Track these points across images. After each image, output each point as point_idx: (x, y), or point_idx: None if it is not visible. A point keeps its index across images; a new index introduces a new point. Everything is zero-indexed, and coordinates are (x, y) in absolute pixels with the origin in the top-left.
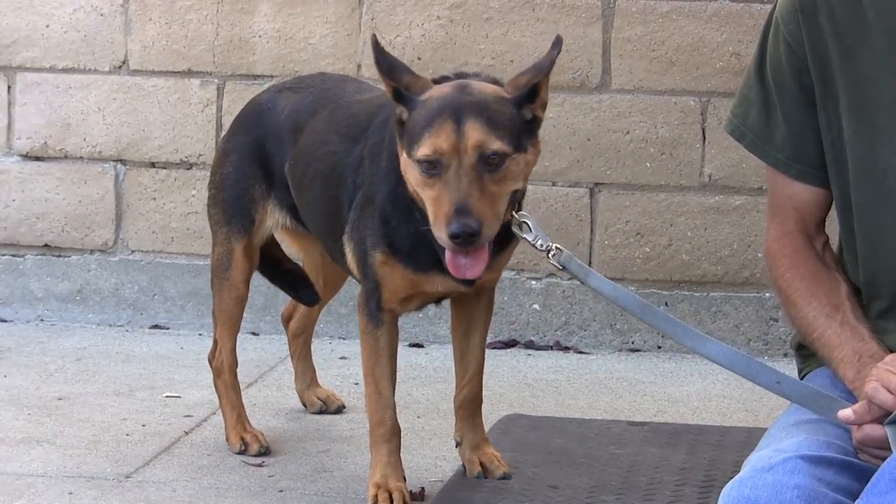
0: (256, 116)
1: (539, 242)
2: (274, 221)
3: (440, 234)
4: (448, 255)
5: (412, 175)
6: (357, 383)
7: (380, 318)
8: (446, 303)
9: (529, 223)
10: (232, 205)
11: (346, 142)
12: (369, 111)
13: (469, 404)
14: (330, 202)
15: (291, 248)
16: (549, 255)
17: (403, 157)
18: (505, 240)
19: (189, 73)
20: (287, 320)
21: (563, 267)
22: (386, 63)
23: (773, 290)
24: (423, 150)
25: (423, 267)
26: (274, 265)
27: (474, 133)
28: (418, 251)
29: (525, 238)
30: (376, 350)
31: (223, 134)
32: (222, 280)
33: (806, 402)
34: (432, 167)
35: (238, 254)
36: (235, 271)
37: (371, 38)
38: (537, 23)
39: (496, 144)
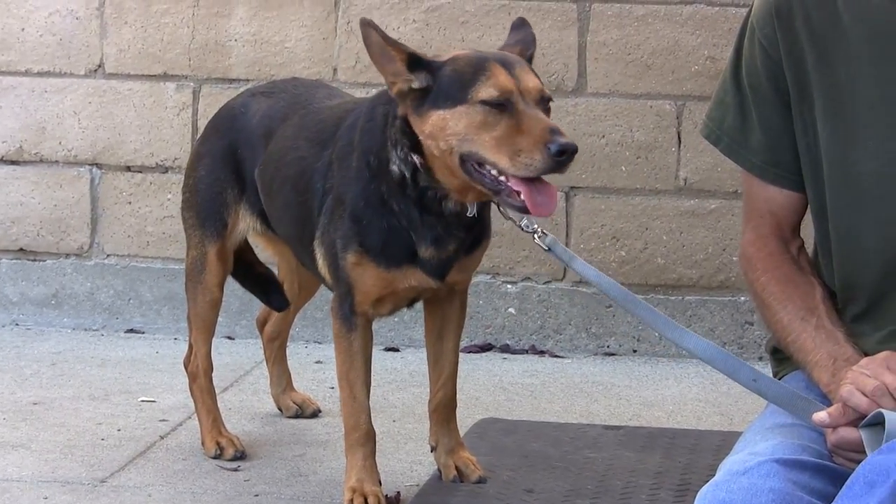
0: (230, 121)
1: (524, 223)
2: (246, 225)
3: (532, 158)
4: (527, 193)
5: (465, 121)
6: (333, 387)
7: (353, 321)
8: (420, 306)
9: None
10: (205, 208)
11: (315, 147)
12: (337, 116)
13: (443, 408)
14: (299, 207)
15: (266, 251)
16: (535, 237)
17: (442, 112)
18: (478, 237)
19: (165, 77)
20: (262, 324)
21: (549, 249)
22: (391, 39)
23: (748, 294)
24: (489, 90)
25: (396, 262)
26: (246, 269)
27: (531, 77)
28: (391, 246)
29: (511, 219)
30: (350, 354)
31: (198, 137)
32: (196, 283)
33: (781, 402)
34: (500, 104)
35: (212, 257)
36: (210, 275)
37: (362, 21)
38: None
39: (547, 91)
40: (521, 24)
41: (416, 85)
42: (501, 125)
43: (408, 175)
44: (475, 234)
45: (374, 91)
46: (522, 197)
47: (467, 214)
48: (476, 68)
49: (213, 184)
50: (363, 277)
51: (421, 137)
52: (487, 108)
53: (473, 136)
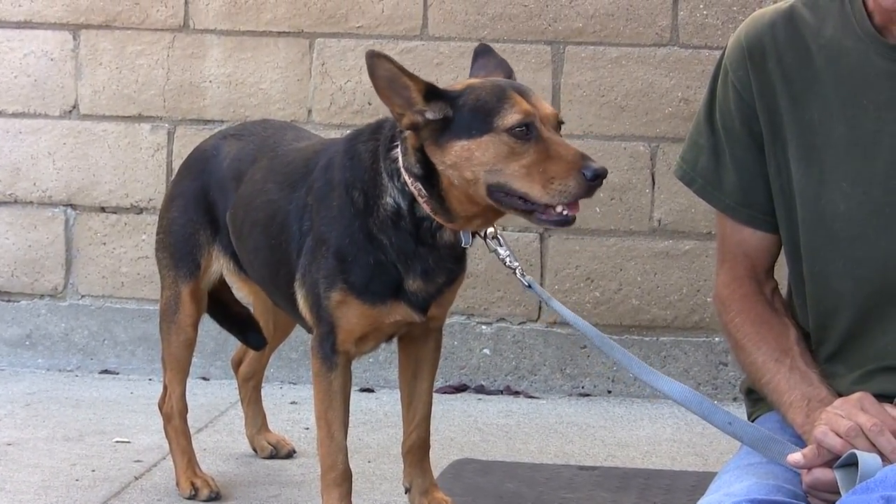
0: (202, 163)
1: (507, 260)
2: (220, 266)
3: (566, 185)
4: (560, 209)
5: (493, 151)
6: (308, 428)
7: (334, 360)
8: (395, 347)
9: (501, 239)
10: (179, 249)
11: (285, 190)
12: (306, 158)
13: (417, 450)
14: (272, 250)
15: (242, 291)
16: (517, 273)
17: (466, 143)
18: (456, 271)
19: (139, 118)
20: (237, 365)
21: (530, 286)
22: (406, 69)
23: (722, 335)
24: (515, 117)
25: (382, 297)
26: (222, 308)
27: (547, 105)
28: (376, 281)
29: (497, 250)
30: (330, 393)
31: (172, 178)
32: (170, 324)
33: (756, 445)
34: (526, 132)
35: (186, 297)
36: (183, 315)
37: (371, 53)
38: None
39: (559, 115)
40: (486, 50)
41: (430, 116)
42: (530, 153)
43: (404, 206)
44: (453, 268)
45: (348, 132)
46: (559, 210)
47: (462, 245)
48: (498, 97)
49: (186, 225)
50: (347, 315)
51: (440, 168)
52: (514, 136)
53: (502, 166)
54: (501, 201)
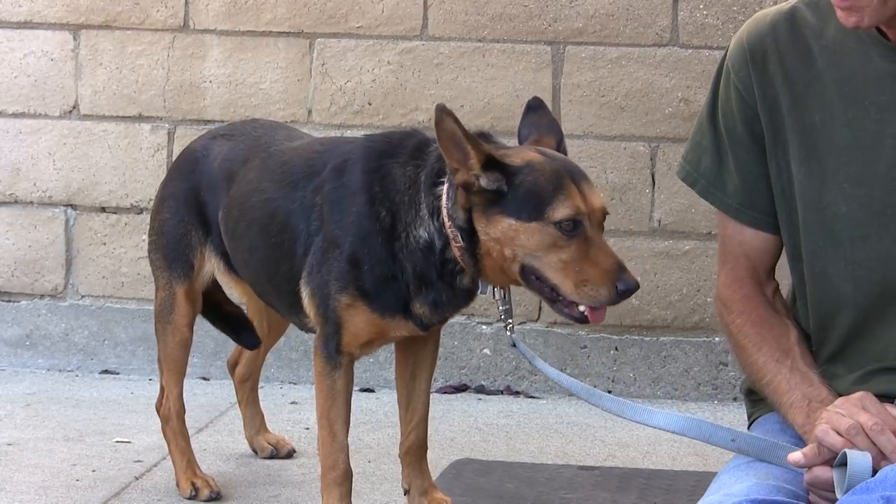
0: (192, 164)
1: (503, 313)
2: (211, 266)
3: (598, 292)
4: (590, 311)
5: (537, 239)
6: (308, 428)
7: (338, 360)
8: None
9: (508, 294)
10: (171, 250)
11: (284, 188)
12: (307, 158)
13: (416, 450)
14: (272, 248)
15: (235, 291)
16: (507, 328)
17: (514, 223)
18: (464, 305)
19: (140, 118)
20: (233, 366)
21: (514, 344)
22: (469, 132)
23: (723, 336)
24: (565, 212)
25: (391, 311)
26: (215, 308)
27: (597, 196)
28: (386, 296)
29: (497, 302)
30: (333, 393)
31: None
32: (166, 324)
33: (764, 455)
34: (573, 228)
35: (180, 298)
36: (178, 315)
37: (438, 107)
38: (487, 68)
39: (607, 208)
40: (539, 106)
41: (485, 184)
42: (571, 249)
43: (438, 245)
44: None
45: (348, 132)
46: (580, 308)
47: (479, 292)
48: (554, 185)
49: (178, 226)
50: (355, 319)
51: (482, 237)
52: (561, 230)
53: (542, 255)
54: (530, 283)
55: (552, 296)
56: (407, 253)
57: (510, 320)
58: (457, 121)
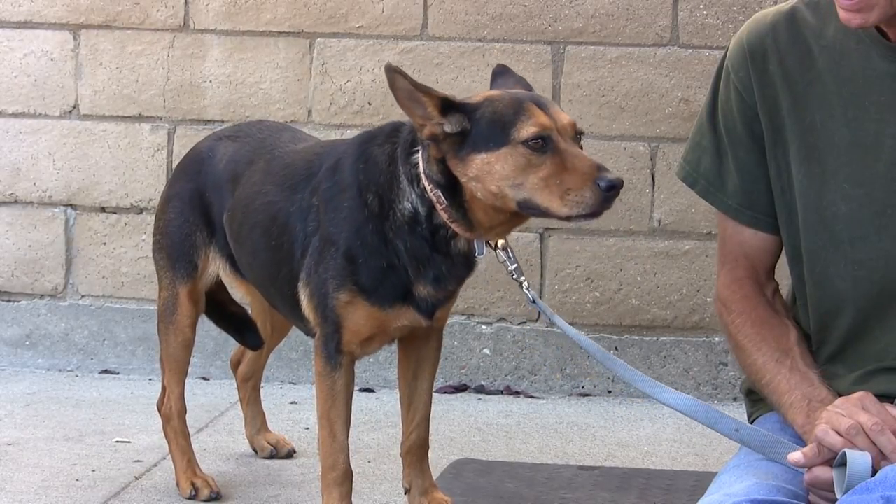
0: (197, 164)
1: (514, 273)
2: (216, 268)
3: (583, 196)
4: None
5: (511, 163)
6: (308, 428)
7: (338, 360)
8: (395, 346)
9: (510, 251)
10: (175, 250)
11: (285, 191)
12: (307, 160)
13: (417, 450)
14: (274, 251)
15: (239, 291)
16: (523, 287)
17: (486, 155)
18: (465, 277)
19: (140, 118)
20: (235, 365)
21: (534, 301)
22: (422, 84)
23: (723, 336)
24: (531, 129)
25: (390, 301)
26: (219, 308)
27: (563, 114)
28: (385, 285)
29: (505, 262)
30: (333, 393)
31: (168, 180)
32: (168, 324)
33: (765, 450)
34: (542, 144)
35: (183, 298)
36: (181, 315)
37: (387, 67)
38: (487, 68)
39: (579, 125)
40: (504, 70)
41: (449, 129)
42: (546, 165)
43: (422, 212)
44: (462, 269)
45: (348, 132)
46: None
47: (476, 255)
48: (515, 109)
49: (183, 226)
50: (354, 316)
51: (463, 180)
52: (530, 148)
53: (522, 179)
54: (530, 213)
55: (552, 215)
56: (396, 230)
57: (522, 277)
58: (407, 77)
